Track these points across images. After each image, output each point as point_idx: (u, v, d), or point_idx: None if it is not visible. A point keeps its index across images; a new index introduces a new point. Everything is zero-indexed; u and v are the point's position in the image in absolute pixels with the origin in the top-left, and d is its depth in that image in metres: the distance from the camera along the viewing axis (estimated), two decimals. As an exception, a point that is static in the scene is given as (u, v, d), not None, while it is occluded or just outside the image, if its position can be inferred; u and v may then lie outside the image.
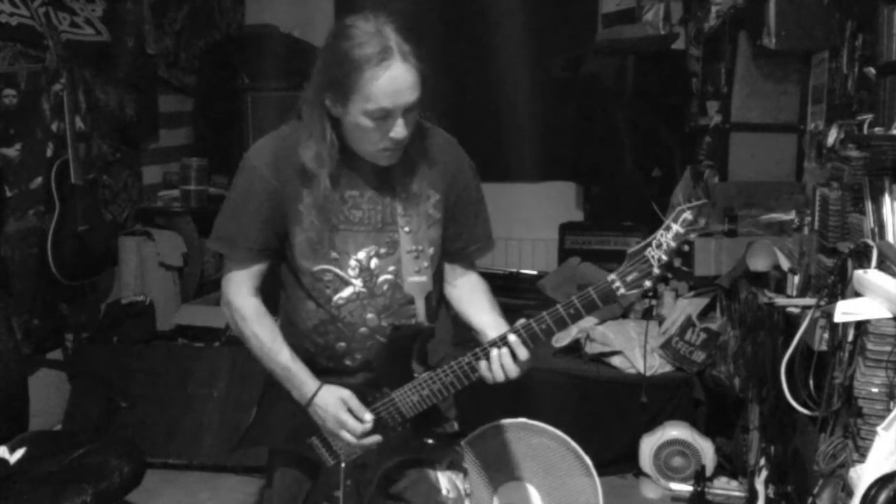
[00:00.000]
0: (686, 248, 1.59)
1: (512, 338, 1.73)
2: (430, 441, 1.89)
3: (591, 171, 5.08)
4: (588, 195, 5.26)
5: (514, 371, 1.74)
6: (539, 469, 2.75)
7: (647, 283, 1.61)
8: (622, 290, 1.63)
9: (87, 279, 3.95)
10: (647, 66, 4.76)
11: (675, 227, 1.58)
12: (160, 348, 4.02)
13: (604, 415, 3.67)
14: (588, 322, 3.90)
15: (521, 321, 1.75)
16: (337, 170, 1.80)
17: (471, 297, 1.98)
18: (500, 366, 1.73)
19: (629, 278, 1.62)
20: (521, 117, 4.80)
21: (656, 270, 1.59)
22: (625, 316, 4.02)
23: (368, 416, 1.82)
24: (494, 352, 1.73)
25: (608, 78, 4.99)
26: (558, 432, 2.75)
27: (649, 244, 1.60)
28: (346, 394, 1.83)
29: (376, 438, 1.84)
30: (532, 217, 5.21)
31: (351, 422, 1.81)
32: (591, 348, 3.79)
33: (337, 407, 1.81)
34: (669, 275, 1.61)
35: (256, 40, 4.97)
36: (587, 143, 4.96)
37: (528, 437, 2.78)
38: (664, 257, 1.58)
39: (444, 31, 5.08)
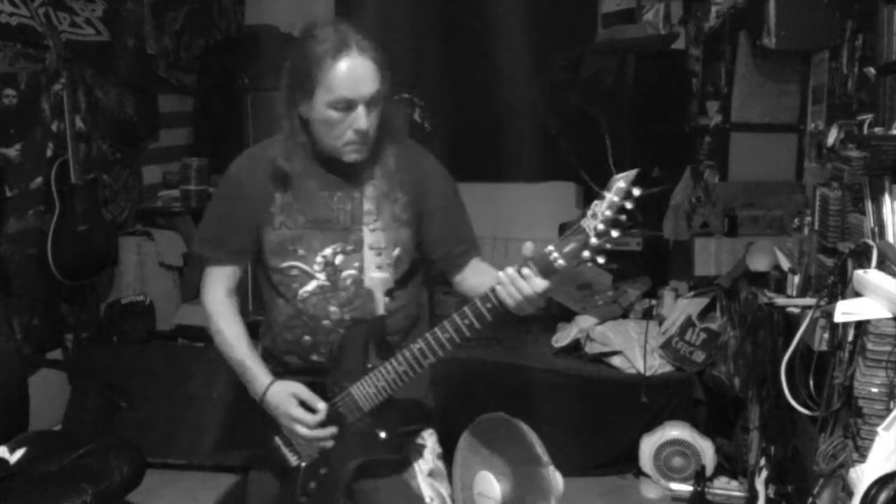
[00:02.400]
0: (623, 217, 1.57)
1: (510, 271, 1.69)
2: (383, 435, 1.88)
3: (590, 171, 5.08)
4: (588, 195, 5.25)
5: (528, 290, 1.66)
6: (500, 461, 2.77)
7: (586, 253, 1.59)
8: (560, 262, 1.62)
9: (87, 279, 3.95)
10: (647, 66, 4.76)
11: (609, 196, 1.56)
12: (160, 348, 4.02)
13: (604, 415, 3.67)
14: (588, 322, 3.90)
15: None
16: (308, 171, 1.89)
17: (473, 273, 2.02)
18: (516, 289, 1.67)
19: (566, 249, 1.61)
20: (522, 117, 4.80)
21: (593, 240, 1.58)
22: (625, 316, 4.03)
23: (321, 405, 1.85)
24: (503, 277, 1.68)
25: (608, 78, 4.98)
26: (520, 424, 2.76)
27: (584, 215, 1.60)
28: (297, 387, 1.87)
29: (331, 430, 1.86)
30: (532, 217, 5.20)
31: (302, 415, 1.85)
32: (591, 348, 3.80)
33: (287, 402, 1.86)
34: (608, 245, 1.59)
35: (256, 40, 4.96)
36: (587, 143, 4.96)
37: (496, 429, 2.80)
38: (600, 226, 1.57)
39: (444, 31, 5.08)
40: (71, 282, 3.79)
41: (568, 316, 4.06)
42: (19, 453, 2.61)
